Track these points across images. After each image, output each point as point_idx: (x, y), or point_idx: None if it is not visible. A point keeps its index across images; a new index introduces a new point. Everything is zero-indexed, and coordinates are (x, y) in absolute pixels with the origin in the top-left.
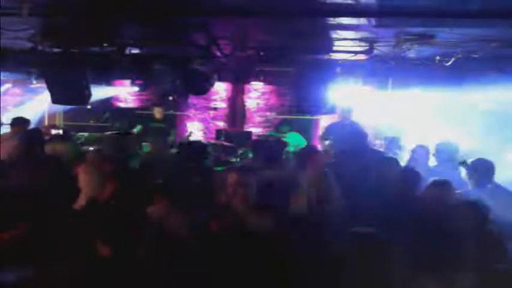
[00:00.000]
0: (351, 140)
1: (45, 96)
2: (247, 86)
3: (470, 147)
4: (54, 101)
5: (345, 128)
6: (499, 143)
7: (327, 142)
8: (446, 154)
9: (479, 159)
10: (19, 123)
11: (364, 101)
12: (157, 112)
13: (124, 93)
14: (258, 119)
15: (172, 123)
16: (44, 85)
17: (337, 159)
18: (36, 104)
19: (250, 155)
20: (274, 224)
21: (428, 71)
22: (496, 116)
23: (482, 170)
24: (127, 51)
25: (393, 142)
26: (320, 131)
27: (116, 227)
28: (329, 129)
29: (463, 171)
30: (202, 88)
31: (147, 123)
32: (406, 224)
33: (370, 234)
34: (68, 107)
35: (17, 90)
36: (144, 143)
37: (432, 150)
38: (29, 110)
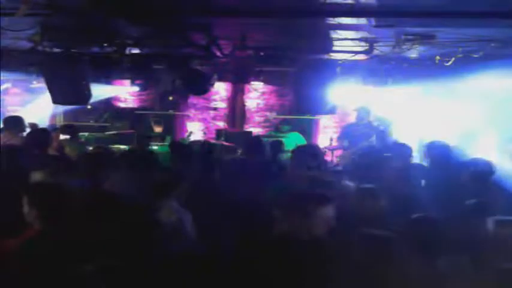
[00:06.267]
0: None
1: (45, 97)
2: (247, 86)
3: (470, 145)
4: (54, 101)
5: (361, 129)
6: (499, 142)
7: (345, 143)
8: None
9: None
10: (16, 125)
11: (364, 100)
12: None
13: (124, 93)
14: (258, 119)
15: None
16: (44, 85)
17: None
18: (37, 104)
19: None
20: None
21: (428, 71)
22: (496, 115)
23: None
24: (127, 51)
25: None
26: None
27: None
28: (346, 130)
29: None
30: (202, 88)
31: None
32: None
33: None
34: (68, 107)
35: (17, 90)
36: None
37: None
38: (29, 110)
